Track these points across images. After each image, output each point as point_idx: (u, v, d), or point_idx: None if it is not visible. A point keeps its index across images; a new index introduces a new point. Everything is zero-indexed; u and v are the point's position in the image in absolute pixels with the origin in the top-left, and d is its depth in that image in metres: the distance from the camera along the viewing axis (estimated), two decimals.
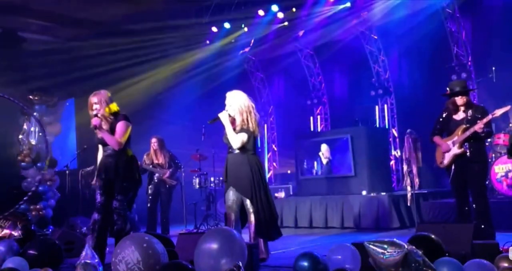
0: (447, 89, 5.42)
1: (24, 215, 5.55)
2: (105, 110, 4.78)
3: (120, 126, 4.75)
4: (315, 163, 9.60)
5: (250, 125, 5.01)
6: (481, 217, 5.08)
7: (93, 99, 4.81)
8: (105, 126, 4.78)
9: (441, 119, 5.50)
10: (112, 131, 4.77)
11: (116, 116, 4.84)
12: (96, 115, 4.75)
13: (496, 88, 8.54)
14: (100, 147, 4.99)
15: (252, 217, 4.94)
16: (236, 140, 4.96)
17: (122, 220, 4.69)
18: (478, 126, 5.07)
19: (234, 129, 5.03)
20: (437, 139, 5.51)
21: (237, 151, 5.05)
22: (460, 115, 5.34)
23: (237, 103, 5.05)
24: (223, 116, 5.04)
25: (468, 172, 5.23)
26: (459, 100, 5.28)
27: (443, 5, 9.44)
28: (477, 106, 5.40)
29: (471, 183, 5.22)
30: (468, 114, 5.27)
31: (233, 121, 5.06)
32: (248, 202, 4.96)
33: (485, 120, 5.07)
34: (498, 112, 5.06)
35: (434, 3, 9.47)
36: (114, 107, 4.86)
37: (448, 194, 8.55)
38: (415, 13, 9.70)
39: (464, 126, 5.24)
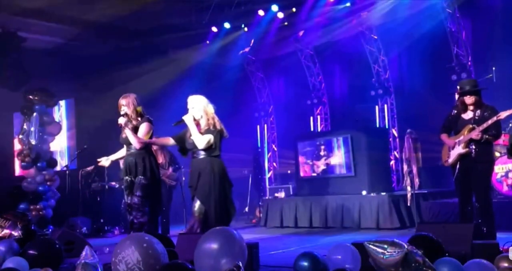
0: (458, 87, 5.37)
1: (24, 215, 5.54)
2: (132, 111, 5.28)
3: (143, 127, 5.27)
4: (315, 163, 9.61)
5: (217, 124, 5.02)
6: (484, 217, 5.05)
7: (122, 101, 5.33)
8: (130, 126, 5.23)
9: (450, 117, 5.43)
10: (135, 132, 5.25)
11: (141, 118, 5.33)
12: (123, 115, 5.25)
13: (496, 88, 8.53)
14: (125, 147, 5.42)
15: (196, 219, 4.96)
16: (202, 140, 4.93)
17: (141, 215, 5.07)
18: (475, 134, 5.05)
19: (200, 132, 5.00)
20: (444, 137, 5.46)
21: (201, 156, 5.01)
22: (468, 114, 5.27)
23: (200, 105, 5.06)
24: (188, 118, 5.02)
25: (472, 172, 5.17)
26: (468, 99, 5.19)
27: (443, 5, 9.44)
28: (487, 106, 5.26)
29: (476, 183, 5.16)
30: (476, 114, 5.19)
31: (197, 124, 5.03)
32: (201, 208, 4.95)
33: (480, 127, 5.03)
34: (504, 114, 4.98)
35: (434, 3, 9.47)
36: (139, 109, 5.36)
37: (448, 194, 8.55)
38: (415, 13, 9.70)
39: (470, 126, 5.18)
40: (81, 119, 10.82)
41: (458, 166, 5.28)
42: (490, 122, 5.01)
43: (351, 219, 8.27)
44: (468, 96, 5.19)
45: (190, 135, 5.07)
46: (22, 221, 5.27)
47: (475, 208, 5.20)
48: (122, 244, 3.30)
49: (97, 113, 9.53)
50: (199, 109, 5.05)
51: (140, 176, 5.17)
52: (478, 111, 5.20)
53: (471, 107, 5.25)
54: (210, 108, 5.09)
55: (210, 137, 4.95)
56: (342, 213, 8.39)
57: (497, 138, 5.39)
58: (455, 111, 5.39)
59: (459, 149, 5.23)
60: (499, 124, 5.15)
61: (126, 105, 5.29)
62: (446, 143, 5.41)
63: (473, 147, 5.17)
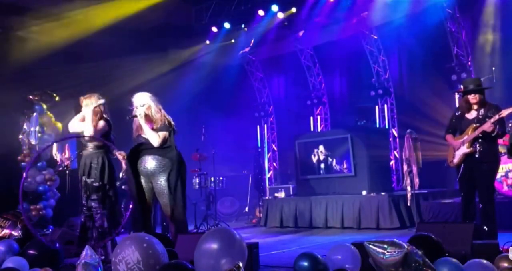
0: (461, 86, 5.34)
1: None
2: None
3: (100, 123, 5.11)
4: (315, 163, 9.60)
5: (170, 120, 5.01)
6: (486, 217, 5.03)
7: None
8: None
9: (454, 118, 5.39)
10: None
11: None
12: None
13: (496, 88, 8.53)
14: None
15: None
16: (157, 138, 4.87)
17: (100, 217, 4.96)
18: (487, 126, 4.96)
19: (153, 128, 4.93)
20: (449, 138, 5.43)
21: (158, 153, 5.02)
22: (472, 114, 5.22)
23: (150, 101, 4.99)
24: (140, 114, 4.90)
25: (477, 172, 5.14)
26: (472, 98, 5.16)
27: (443, 5, 9.45)
28: (491, 105, 5.21)
29: (479, 183, 5.14)
30: (480, 113, 5.15)
31: (149, 121, 4.97)
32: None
33: (492, 119, 4.98)
34: (505, 112, 4.94)
35: (434, 3, 9.48)
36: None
37: (448, 194, 8.56)
38: (415, 13, 9.70)
39: (474, 125, 5.14)
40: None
41: (462, 166, 5.24)
42: (493, 120, 4.94)
43: (351, 219, 8.27)
44: (472, 95, 5.15)
45: (140, 134, 4.98)
46: (22, 221, 5.27)
47: (478, 208, 5.19)
48: (122, 244, 3.30)
49: None
50: (149, 105, 4.95)
51: (92, 179, 5.01)
52: (482, 110, 5.15)
53: (475, 107, 5.20)
54: (159, 105, 5.03)
55: (165, 134, 4.89)
56: (342, 213, 8.39)
57: (503, 135, 5.35)
58: (459, 112, 5.34)
59: (463, 149, 5.19)
60: (503, 122, 5.12)
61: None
62: (451, 144, 5.36)
63: (478, 146, 5.13)
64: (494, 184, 5.52)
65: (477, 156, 5.13)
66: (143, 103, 4.93)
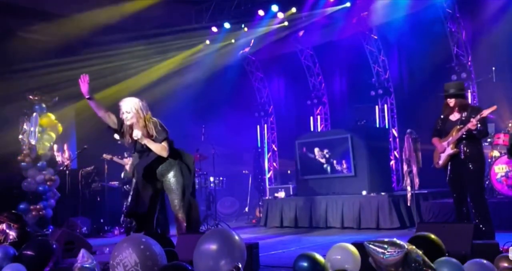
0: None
1: (19, 217, 5.48)
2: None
3: None
4: (315, 163, 9.59)
5: (159, 122, 4.95)
6: (480, 217, 5.07)
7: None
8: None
9: (439, 121, 5.54)
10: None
11: None
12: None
13: (496, 88, 8.53)
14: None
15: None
16: (164, 149, 4.91)
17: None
18: (472, 124, 5.08)
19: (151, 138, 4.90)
20: (434, 140, 5.56)
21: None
22: (456, 116, 5.37)
23: (137, 107, 4.89)
24: (138, 134, 4.83)
25: (464, 173, 5.24)
26: (450, 102, 5.32)
27: (443, 5, 9.44)
28: (473, 107, 5.42)
29: (468, 183, 5.23)
30: (463, 115, 5.29)
31: (132, 125, 4.92)
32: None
33: (474, 120, 5.08)
34: (485, 112, 5.09)
35: (434, 3, 9.48)
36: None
37: (448, 194, 8.50)
38: (415, 13, 9.70)
39: (458, 126, 5.26)
40: (81, 119, 10.82)
41: (449, 167, 5.34)
42: (478, 117, 5.04)
43: (351, 219, 8.26)
44: (448, 99, 5.30)
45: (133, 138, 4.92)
46: (17, 223, 5.20)
47: (471, 209, 5.22)
48: (120, 246, 3.27)
49: None
50: (133, 115, 4.87)
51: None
52: (465, 113, 5.29)
53: (457, 109, 5.33)
54: (146, 109, 4.94)
55: (167, 141, 4.92)
56: (342, 213, 8.38)
57: (486, 135, 5.46)
58: (444, 114, 5.49)
59: (448, 150, 5.33)
60: (485, 122, 5.21)
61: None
62: (437, 146, 5.49)
63: (462, 147, 5.25)
64: (484, 184, 5.61)
65: (462, 157, 5.25)
66: (128, 109, 4.87)
